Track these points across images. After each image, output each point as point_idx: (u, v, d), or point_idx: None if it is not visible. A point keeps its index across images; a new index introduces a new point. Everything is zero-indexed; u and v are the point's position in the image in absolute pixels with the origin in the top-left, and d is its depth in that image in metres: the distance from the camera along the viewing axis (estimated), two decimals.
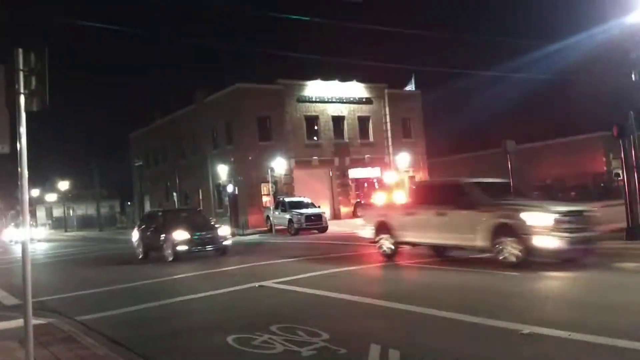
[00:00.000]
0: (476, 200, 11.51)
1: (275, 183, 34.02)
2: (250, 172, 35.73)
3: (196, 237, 17.26)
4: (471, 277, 10.44)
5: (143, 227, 19.80)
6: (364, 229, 14.71)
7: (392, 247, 13.43)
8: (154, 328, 7.87)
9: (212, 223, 19.63)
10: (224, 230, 18.41)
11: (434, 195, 12.95)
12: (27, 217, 5.66)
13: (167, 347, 6.75)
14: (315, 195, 33.85)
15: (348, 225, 31.43)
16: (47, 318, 8.50)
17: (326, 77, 39.20)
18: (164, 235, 17.63)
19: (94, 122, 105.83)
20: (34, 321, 6.40)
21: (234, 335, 6.74)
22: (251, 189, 36.06)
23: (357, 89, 40.67)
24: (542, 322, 6.33)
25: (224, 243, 17.86)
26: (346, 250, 17.09)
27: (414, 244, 13.53)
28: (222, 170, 36.67)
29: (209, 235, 17.62)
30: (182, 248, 16.95)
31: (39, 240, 40.27)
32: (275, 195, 32.18)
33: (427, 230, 12.49)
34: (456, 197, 11.74)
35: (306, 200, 30.65)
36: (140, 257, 19.02)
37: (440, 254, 13.43)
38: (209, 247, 17.48)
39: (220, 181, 37.35)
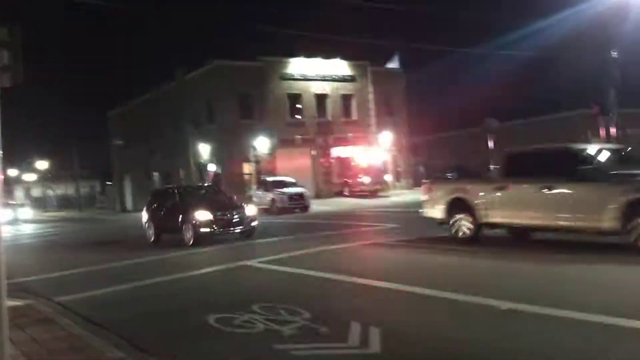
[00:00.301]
0: (598, 171, 9.31)
1: (257, 162, 33.81)
2: (232, 151, 35.45)
3: (221, 217, 15.22)
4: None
5: (154, 206, 17.48)
6: (431, 208, 12.26)
7: (472, 228, 11.17)
8: (133, 309, 7.80)
9: (237, 201, 17.64)
10: (251, 210, 16.17)
11: (536, 165, 10.43)
12: (1, 197, 5.53)
13: (145, 327, 6.70)
14: (298, 174, 33.74)
15: (331, 204, 31.51)
16: (25, 300, 8.37)
17: (309, 54, 38.78)
18: (182, 215, 15.45)
19: (72, 101, 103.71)
20: (10, 303, 6.30)
21: (215, 315, 6.69)
22: (233, 167, 35.83)
23: (340, 66, 40.36)
24: None
25: (252, 224, 15.78)
26: (329, 228, 17.10)
27: (504, 226, 11.16)
28: (204, 149, 36.33)
29: (236, 215, 15.50)
30: (205, 230, 14.86)
31: (25, 221, 38.85)
32: (257, 175, 32.03)
33: (526, 209, 10.29)
34: (569, 167, 9.33)
35: (289, 179, 30.55)
36: (151, 240, 16.96)
37: (521, 237, 11.32)
38: (236, 229, 15.40)
39: (202, 160, 37.03)
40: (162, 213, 16.72)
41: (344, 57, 40.38)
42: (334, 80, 39.84)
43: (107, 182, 60.87)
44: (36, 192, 70.86)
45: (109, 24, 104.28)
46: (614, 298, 6.33)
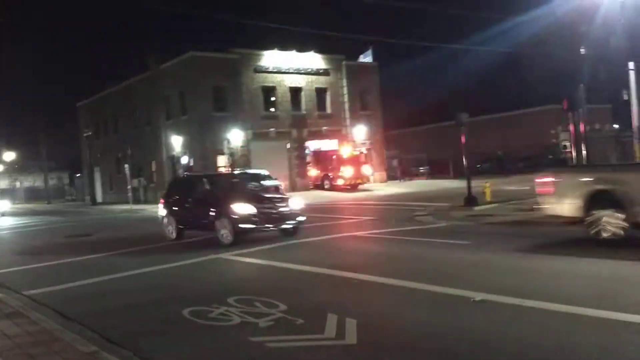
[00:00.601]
0: None
1: (231, 155, 33.56)
2: (205, 144, 35.10)
3: (266, 210, 12.78)
4: None
5: (175, 198, 14.95)
6: (557, 203, 10.08)
7: (624, 228, 8.92)
8: (107, 302, 7.70)
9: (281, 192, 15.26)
10: (297, 203, 13.57)
11: None
12: None
13: (119, 320, 6.61)
14: (273, 167, 33.56)
15: (307, 197, 31.50)
16: None
17: (283, 47, 38.59)
18: (215, 208, 13.02)
19: (41, 90, 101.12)
20: None
21: (190, 308, 6.65)
22: (206, 160, 35.49)
23: (314, 60, 40.25)
24: None
25: (298, 219, 13.28)
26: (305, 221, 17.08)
27: None
28: (176, 141, 35.89)
29: (282, 209, 13.05)
30: (245, 226, 12.47)
31: (3, 215, 34.44)
32: (232, 167, 31.80)
33: None
34: None
35: (263, 172, 30.34)
36: (172, 236, 14.46)
37: None
38: (283, 225, 12.97)
39: (175, 152, 36.59)
40: (187, 205, 14.29)
41: (318, 51, 40.32)
42: (308, 73, 39.72)
43: (76, 174, 59.69)
44: (2, 184, 69.10)
45: (78, 11, 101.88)
46: None
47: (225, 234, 12.63)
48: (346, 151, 35.99)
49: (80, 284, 9.08)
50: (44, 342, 5.50)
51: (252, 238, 12.77)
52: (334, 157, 35.87)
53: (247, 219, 12.40)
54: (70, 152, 60.52)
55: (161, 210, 15.23)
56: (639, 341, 4.70)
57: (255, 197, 13.13)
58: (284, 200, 13.48)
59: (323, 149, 38.96)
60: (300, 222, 13.30)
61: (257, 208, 12.56)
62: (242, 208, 12.47)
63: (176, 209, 14.59)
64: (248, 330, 5.73)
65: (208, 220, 13.14)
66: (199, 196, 14.01)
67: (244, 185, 14.41)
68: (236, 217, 12.40)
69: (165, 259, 11.18)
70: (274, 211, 12.87)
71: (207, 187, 14.16)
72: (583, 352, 4.52)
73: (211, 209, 13.12)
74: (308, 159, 39.19)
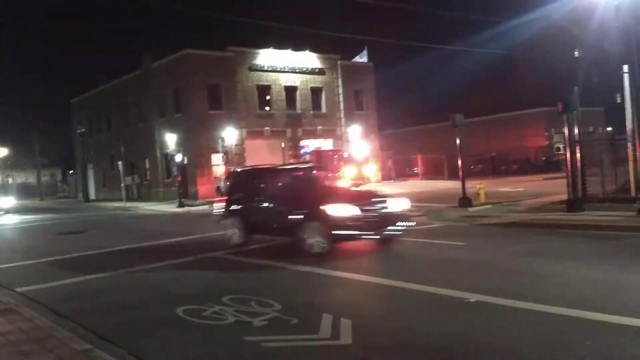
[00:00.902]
0: None
1: (226, 153, 33.48)
2: (199, 142, 35.00)
3: (371, 212, 10.12)
4: None
5: (241, 195, 12.10)
6: None
7: None
8: (101, 299, 7.66)
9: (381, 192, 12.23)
10: (402, 203, 11.11)
11: None
12: None
13: (113, 318, 6.58)
14: None
15: None
16: None
17: (279, 45, 38.54)
18: (302, 209, 10.27)
19: (34, 86, 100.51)
20: None
21: (184, 307, 6.63)
22: (201, 158, 35.40)
23: (310, 59, 40.23)
24: None
25: (408, 224, 11.05)
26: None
27: None
28: (170, 139, 35.77)
29: (388, 211, 10.48)
30: (345, 232, 9.82)
31: (7, 212, 32.09)
32: (226, 166, 31.72)
33: None
34: None
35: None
36: (237, 242, 11.72)
37: None
38: (391, 230, 10.47)
39: (168, 150, 36.44)
40: (258, 205, 11.43)
41: (314, 50, 40.31)
42: (303, 72, 39.70)
43: (69, 171, 59.39)
44: None
45: (72, 7, 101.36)
46: None
47: (315, 241, 9.94)
48: (348, 151, 35.98)
49: (73, 281, 9.04)
50: (37, 339, 5.47)
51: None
52: (336, 156, 35.76)
53: (347, 223, 9.78)
54: (63, 149, 60.29)
55: (220, 209, 12.54)
56: (633, 344, 4.73)
57: (352, 197, 10.80)
58: (385, 200, 10.86)
59: (324, 148, 38.92)
60: (409, 226, 11.05)
61: (361, 209, 9.93)
62: (341, 209, 9.84)
63: (243, 208, 11.81)
64: (242, 329, 5.72)
65: (289, 223, 10.42)
66: (279, 193, 11.29)
67: (327, 181, 11.94)
68: (334, 220, 9.76)
69: (160, 257, 11.14)
70: (376, 213, 10.21)
71: (290, 183, 11.74)
72: (575, 354, 4.54)
73: (295, 210, 10.37)
74: (308, 158, 39.13)
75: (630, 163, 14.41)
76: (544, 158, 43.93)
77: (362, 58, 43.25)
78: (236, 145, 36.25)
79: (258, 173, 12.99)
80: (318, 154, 37.91)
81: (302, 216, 10.16)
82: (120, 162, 35.35)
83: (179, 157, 31.40)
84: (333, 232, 9.74)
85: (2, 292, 8.14)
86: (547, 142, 48.32)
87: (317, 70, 40.44)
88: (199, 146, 35.01)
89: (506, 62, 48.14)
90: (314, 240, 9.96)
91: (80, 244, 14.58)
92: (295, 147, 39.32)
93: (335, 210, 9.83)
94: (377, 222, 10.06)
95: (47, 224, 23.10)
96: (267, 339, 5.34)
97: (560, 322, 5.38)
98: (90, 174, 49.80)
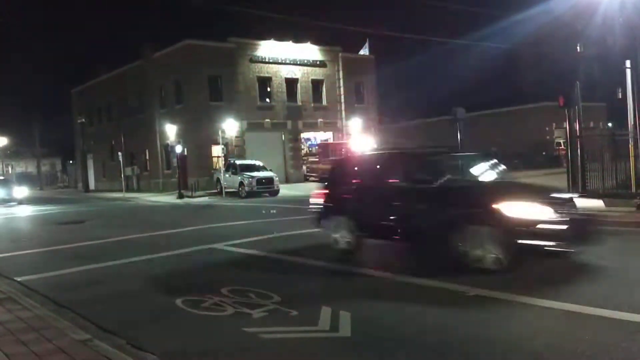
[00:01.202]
0: None
1: (226, 145, 33.45)
2: (199, 133, 34.97)
3: (563, 217, 7.11)
4: None
5: (351, 187, 9.45)
6: None
7: None
8: (100, 289, 7.66)
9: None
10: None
11: None
12: None
13: (112, 308, 6.59)
14: (267, 158, 33.52)
15: (299, 189, 31.48)
16: None
17: (280, 37, 38.40)
18: (464, 210, 7.44)
19: (34, 76, 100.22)
20: None
21: (183, 298, 6.63)
22: (201, 150, 35.38)
23: (311, 51, 40.11)
24: None
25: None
26: (298, 213, 17.09)
27: None
28: (171, 130, 35.75)
29: (579, 215, 7.46)
30: (536, 242, 6.93)
31: (20, 203, 30.29)
32: (226, 157, 31.72)
33: None
34: None
35: (258, 163, 30.35)
36: (343, 247, 9.18)
37: None
38: (584, 243, 7.37)
39: (168, 141, 36.43)
40: (381, 201, 8.69)
41: (315, 42, 40.16)
42: (304, 64, 39.60)
43: (69, 161, 59.38)
44: None
45: None
46: None
47: (491, 257, 7.09)
48: (356, 143, 35.60)
49: (72, 270, 9.04)
50: (36, 328, 5.47)
51: (244, 227, 12.29)
52: (343, 149, 35.51)
53: (538, 230, 6.95)
54: (64, 139, 60.23)
55: (320, 204, 9.93)
56: (632, 339, 4.72)
57: (536, 193, 7.90)
58: (570, 197, 7.98)
59: (309, 141, 38.86)
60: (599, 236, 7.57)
61: (555, 210, 7.14)
62: (528, 210, 7.09)
63: (355, 204, 9.16)
64: (242, 320, 5.71)
65: (431, 226, 7.76)
66: (410, 186, 8.22)
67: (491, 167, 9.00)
68: (516, 224, 6.98)
69: (160, 248, 11.14)
70: (568, 217, 7.18)
71: (441, 172, 8.31)
72: (574, 349, 4.53)
73: (450, 209, 7.61)
74: (314, 150, 38.91)
75: (631, 159, 14.38)
76: (544, 153, 43.93)
77: (363, 51, 43.14)
78: (236, 137, 36.24)
79: (381, 159, 9.80)
80: (325, 146, 37.71)
81: (462, 218, 7.39)
82: (120, 153, 35.36)
83: (179, 148, 31.40)
84: (518, 241, 6.92)
85: (1, 281, 8.14)
86: (548, 137, 48.32)
87: (318, 63, 40.34)
88: (199, 137, 34.99)
89: (508, 56, 48.02)
90: (482, 252, 7.16)
91: (84, 234, 14.60)
92: (296, 140, 39.29)
93: (519, 210, 7.04)
94: (573, 229, 7.09)
95: (67, 213, 23.10)
96: (266, 330, 5.34)
97: (561, 317, 5.37)
98: (90, 164, 49.83)
